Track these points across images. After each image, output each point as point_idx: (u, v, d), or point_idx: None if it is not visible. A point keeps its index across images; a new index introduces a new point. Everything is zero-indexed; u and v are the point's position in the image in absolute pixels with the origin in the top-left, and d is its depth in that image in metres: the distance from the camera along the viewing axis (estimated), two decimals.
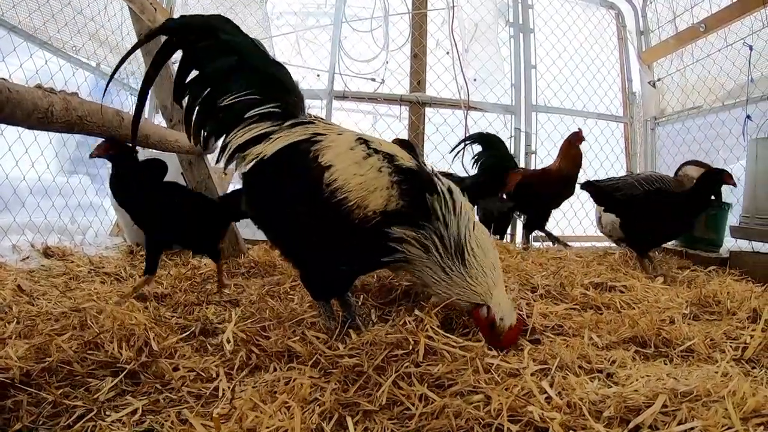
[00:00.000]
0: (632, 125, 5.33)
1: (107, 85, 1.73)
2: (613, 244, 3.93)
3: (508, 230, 4.63)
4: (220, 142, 1.66)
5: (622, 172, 5.33)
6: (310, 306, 1.95)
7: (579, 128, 4.27)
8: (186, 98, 1.63)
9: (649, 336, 1.60)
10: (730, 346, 1.59)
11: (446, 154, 5.11)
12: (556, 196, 4.13)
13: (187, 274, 2.78)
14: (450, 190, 1.54)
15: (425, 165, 1.62)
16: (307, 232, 1.54)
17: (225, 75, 1.60)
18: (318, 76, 5.01)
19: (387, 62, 5.13)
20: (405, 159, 1.53)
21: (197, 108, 1.63)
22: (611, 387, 1.25)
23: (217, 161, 1.66)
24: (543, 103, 5.20)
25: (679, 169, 3.93)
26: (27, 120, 1.52)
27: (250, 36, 1.68)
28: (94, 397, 1.31)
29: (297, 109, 1.65)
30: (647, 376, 1.27)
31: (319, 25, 5.08)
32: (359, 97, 5.14)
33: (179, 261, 3.26)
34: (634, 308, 1.95)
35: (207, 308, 2.10)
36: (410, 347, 1.42)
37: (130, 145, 2.05)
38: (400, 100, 5.08)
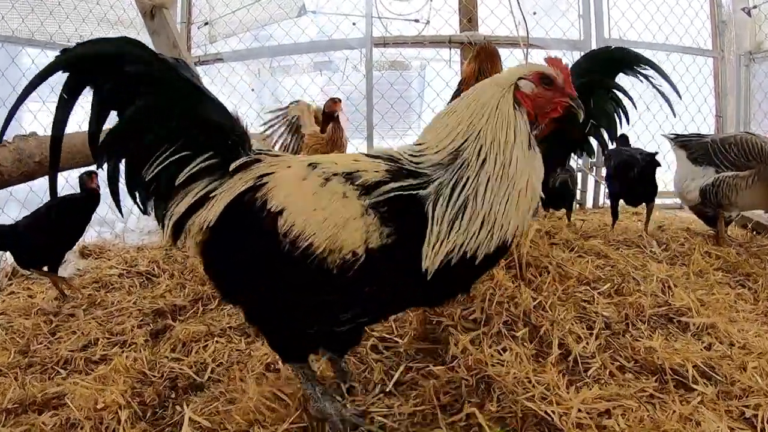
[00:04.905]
0: (723, 60, 4.46)
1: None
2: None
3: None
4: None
5: (710, 116, 4.56)
6: None
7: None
8: (105, 161, 1.33)
9: None
10: None
11: None
12: None
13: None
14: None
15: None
16: (277, 299, 1.28)
17: (141, 129, 1.30)
18: (354, 24, 4.50)
19: (431, 0, 4.49)
20: (369, 169, 1.20)
21: (123, 173, 1.36)
22: None
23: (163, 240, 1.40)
24: (617, 37, 4.42)
25: None
26: None
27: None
28: None
29: (238, 148, 1.34)
30: None
31: None
32: (402, 43, 4.59)
33: None
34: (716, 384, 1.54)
35: (207, 346, 1.93)
36: None
37: None
38: (449, 42, 4.50)
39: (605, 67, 2.57)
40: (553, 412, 1.39)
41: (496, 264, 1.33)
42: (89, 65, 1.26)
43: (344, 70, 4.83)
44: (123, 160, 1.34)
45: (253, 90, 4.98)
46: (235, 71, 4.91)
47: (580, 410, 1.39)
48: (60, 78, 1.26)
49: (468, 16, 4.48)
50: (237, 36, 4.95)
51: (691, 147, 3.04)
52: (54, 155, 1.27)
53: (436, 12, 4.54)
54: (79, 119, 1.38)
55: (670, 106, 2.53)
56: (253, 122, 4.95)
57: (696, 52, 4.57)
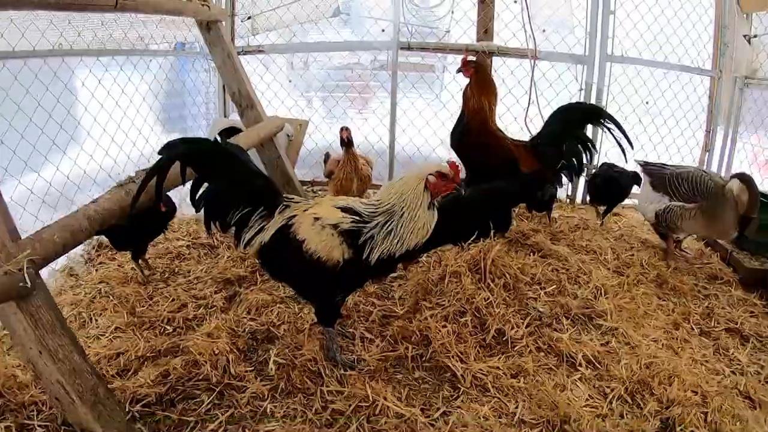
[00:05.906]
0: (720, 80, 4.86)
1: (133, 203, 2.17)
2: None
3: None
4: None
5: (699, 131, 5.03)
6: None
7: None
8: (202, 207, 2.26)
9: None
10: None
11: (511, 106, 5.14)
12: None
13: None
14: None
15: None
16: (306, 280, 2.25)
17: (224, 197, 2.23)
18: (383, 30, 5.06)
19: (453, 12, 4.99)
20: (343, 222, 2.16)
21: (214, 215, 2.28)
22: None
23: (236, 248, 2.46)
24: (620, 54, 4.85)
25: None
26: None
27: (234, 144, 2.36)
28: (198, 410, 2.04)
29: (276, 201, 2.25)
30: None
31: None
32: (424, 48, 5.14)
33: None
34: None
35: (272, 310, 2.72)
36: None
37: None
38: (466, 50, 5.01)
39: (577, 120, 3.27)
40: (457, 367, 2.27)
41: (404, 260, 2.29)
42: (192, 158, 2.16)
43: (372, 70, 5.44)
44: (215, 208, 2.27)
45: (290, 81, 5.63)
46: (275, 62, 5.54)
47: (482, 370, 2.26)
48: None
49: (485, 27, 4.97)
50: (277, 30, 5.52)
51: (654, 175, 3.56)
52: (158, 190, 2.12)
53: (456, 22, 5.04)
54: None
55: (623, 152, 3.23)
56: (290, 108, 5.66)
57: (694, 71, 4.93)
